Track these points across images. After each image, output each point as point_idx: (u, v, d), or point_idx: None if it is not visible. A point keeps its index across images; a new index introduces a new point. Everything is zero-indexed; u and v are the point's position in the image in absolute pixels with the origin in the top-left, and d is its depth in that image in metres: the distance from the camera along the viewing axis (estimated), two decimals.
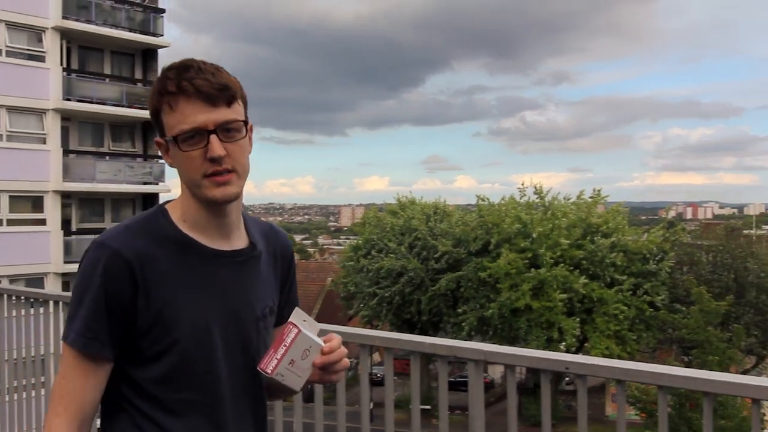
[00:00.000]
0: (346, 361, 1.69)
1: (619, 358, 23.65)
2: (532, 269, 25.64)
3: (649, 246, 26.61)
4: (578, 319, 25.53)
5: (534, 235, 26.16)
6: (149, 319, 1.55)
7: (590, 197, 28.66)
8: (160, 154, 1.68)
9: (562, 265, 25.59)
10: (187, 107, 1.53)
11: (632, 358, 24.75)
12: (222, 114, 1.54)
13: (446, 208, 32.98)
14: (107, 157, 26.93)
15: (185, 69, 1.56)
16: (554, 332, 24.93)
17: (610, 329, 24.92)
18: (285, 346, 1.59)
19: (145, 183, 27.46)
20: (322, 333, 1.67)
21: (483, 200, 30.27)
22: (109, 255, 1.54)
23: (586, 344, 26.56)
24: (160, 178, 27.69)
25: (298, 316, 1.65)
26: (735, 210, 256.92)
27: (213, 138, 1.53)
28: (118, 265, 1.53)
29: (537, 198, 29.07)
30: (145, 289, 1.54)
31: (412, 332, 26.06)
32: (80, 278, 1.57)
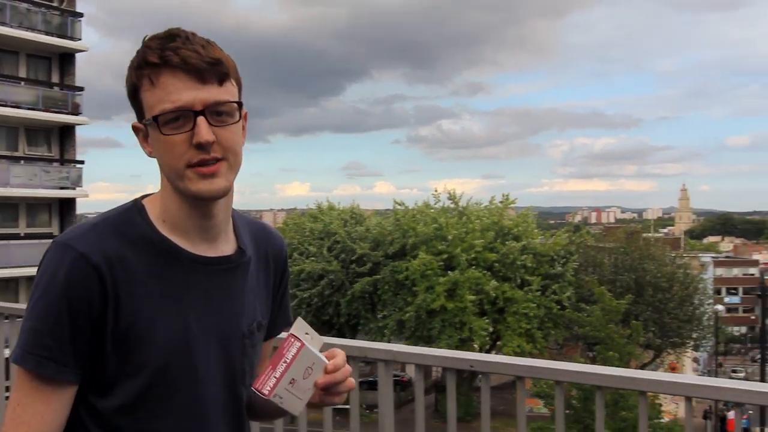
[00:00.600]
0: (352, 381, 1.42)
1: (530, 354, 24.29)
2: (449, 271, 26.01)
3: (555, 248, 27.40)
4: (489, 319, 26.10)
5: (450, 238, 26.54)
6: (118, 334, 1.26)
7: (500, 202, 29.31)
8: (138, 142, 1.38)
9: (475, 267, 26.06)
10: (170, 82, 1.24)
11: (541, 355, 25.44)
12: (212, 93, 1.26)
13: (363, 213, 33.14)
14: (22, 161, 25.82)
15: (170, 38, 1.27)
16: (466, 332, 25.35)
17: (521, 327, 25.52)
18: (285, 362, 1.32)
19: (61, 188, 26.43)
20: (324, 347, 1.40)
21: (400, 204, 30.56)
22: (74, 258, 1.24)
23: (499, 342, 27.12)
24: (77, 182, 26.79)
25: (300, 327, 1.36)
26: (635, 214, 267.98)
27: (200, 120, 1.24)
28: (84, 271, 1.23)
29: (451, 203, 29.53)
30: (116, 300, 1.25)
31: (329, 334, 25.99)
32: (37, 285, 1.27)
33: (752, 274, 67.96)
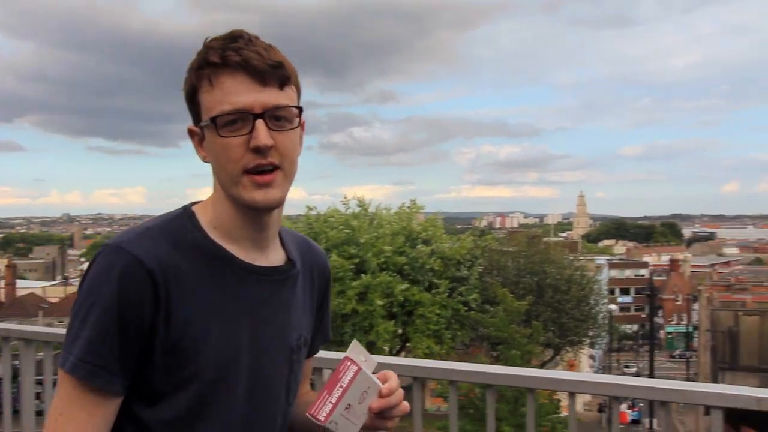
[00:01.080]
0: (407, 405, 1.33)
1: (438, 355, 24.77)
2: (362, 275, 26.09)
3: (462, 252, 27.95)
4: (399, 322, 26.39)
5: (362, 241, 26.63)
6: (168, 344, 1.18)
7: (408, 208, 29.63)
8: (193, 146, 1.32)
9: (386, 271, 26.25)
10: (231, 83, 1.19)
11: (449, 355, 25.94)
12: (273, 96, 1.20)
13: None
14: None
15: (233, 39, 1.22)
16: (373, 335, 25.51)
17: (429, 329, 25.89)
18: (341, 387, 1.23)
19: None
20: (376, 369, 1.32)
21: (311, 209, 30.45)
22: (128, 263, 1.16)
23: (408, 344, 27.40)
24: None
25: (355, 350, 1.28)
26: (537, 219, 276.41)
27: (259, 123, 1.19)
28: (137, 276, 1.16)
29: (360, 209, 29.60)
30: (167, 308, 1.18)
31: None
32: (87, 289, 1.19)
33: (643, 275, 71.32)
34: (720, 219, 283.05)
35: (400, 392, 1.31)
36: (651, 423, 27.27)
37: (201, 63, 1.22)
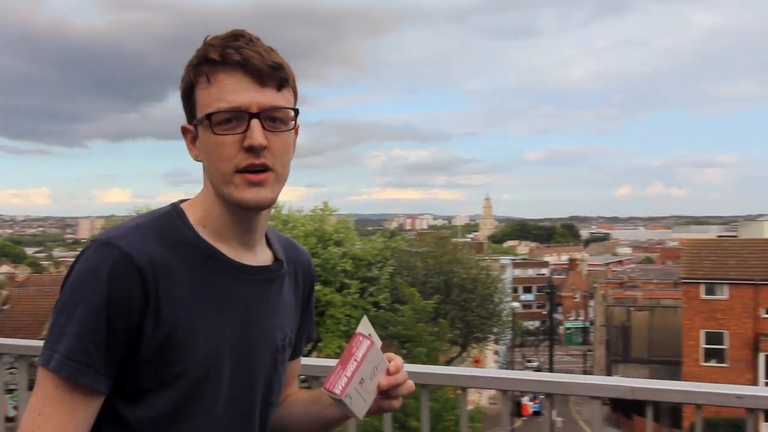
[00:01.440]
0: (411, 384, 1.34)
1: None
2: None
3: (372, 253, 28.12)
4: None
5: None
6: (157, 342, 1.15)
7: (320, 210, 29.58)
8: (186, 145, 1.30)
9: None
10: (228, 81, 1.17)
11: None
12: (270, 97, 1.18)
13: None
14: None
15: (233, 38, 1.19)
16: None
17: (340, 329, 25.92)
18: (356, 361, 1.21)
19: None
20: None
21: None
22: (118, 258, 1.12)
23: (320, 344, 27.34)
24: None
25: (365, 326, 1.28)
26: (446, 221, 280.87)
27: (255, 123, 1.16)
28: (127, 272, 1.12)
29: (274, 211, 29.37)
30: (157, 305, 1.14)
31: None
32: (74, 285, 1.14)
33: (544, 274, 73.65)
34: (614, 221, 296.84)
35: (405, 371, 1.32)
36: (551, 414, 28.21)
37: (200, 60, 1.20)
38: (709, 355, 30.70)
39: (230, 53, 1.16)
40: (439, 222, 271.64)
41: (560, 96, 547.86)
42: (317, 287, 25.91)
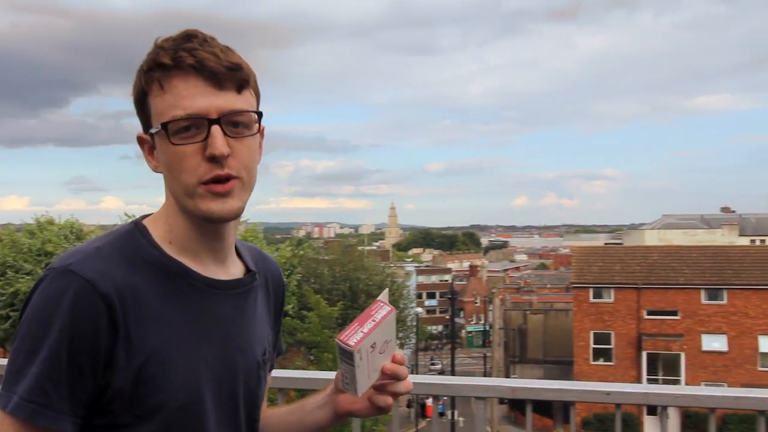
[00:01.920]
0: (410, 384, 1.25)
1: None
2: None
3: (280, 261, 27.82)
4: None
5: None
6: (130, 373, 1.03)
7: None
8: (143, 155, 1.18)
9: None
10: (184, 87, 1.05)
11: None
12: (230, 100, 1.07)
13: (84, 228, 30.63)
14: None
15: (186, 39, 1.08)
16: None
17: None
18: (374, 321, 1.14)
19: None
20: None
21: (129, 217, 28.80)
22: (79, 287, 1.01)
23: None
24: None
25: (385, 296, 1.20)
26: (352, 230, 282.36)
27: (215, 130, 1.05)
28: (91, 301, 1.01)
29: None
30: (127, 334, 1.03)
31: None
32: (33, 319, 1.02)
33: (446, 281, 75.15)
34: (512, 229, 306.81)
35: (406, 369, 1.24)
36: (453, 414, 28.78)
37: (150, 65, 1.08)
38: (598, 354, 32.15)
39: (183, 56, 1.05)
40: (346, 230, 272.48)
41: (460, 110, 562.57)
42: None
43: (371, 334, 1.13)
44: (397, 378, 1.21)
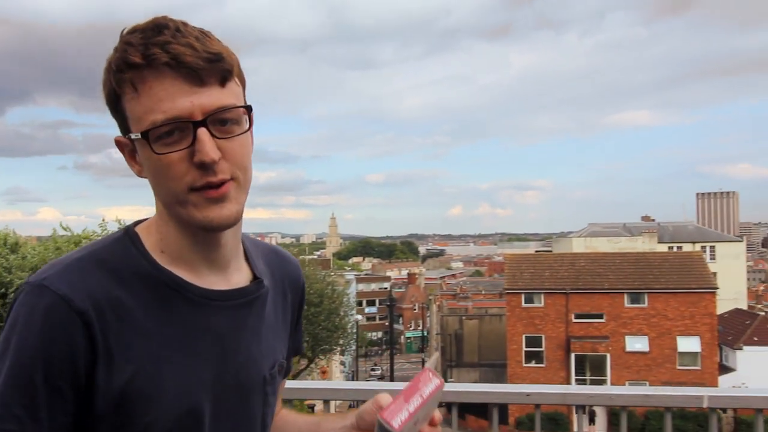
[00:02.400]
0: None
1: None
2: None
3: None
4: None
5: None
6: (114, 394, 0.92)
7: None
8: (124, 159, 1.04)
9: None
10: (160, 87, 0.91)
11: None
12: (214, 97, 0.93)
13: (19, 240, 29.34)
14: None
15: (156, 30, 0.93)
16: None
17: None
18: (421, 397, 1.00)
19: None
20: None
21: (65, 230, 27.73)
22: (52, 303, 0.91)
23: None
24: None
25: (434, 364, 1.07)
26: (294, 239, 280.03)
27: (202, 133, 0.92)
28: (64, 318, 0.90)
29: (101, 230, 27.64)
30: (108, 352, 0.92)
31: None
32: (5, 339, 0.92)
33: (385, 288, 75.24)
34: (448, 238, 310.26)
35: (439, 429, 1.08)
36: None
37: (120, 65, 0.93)
38: (530, 357, 32.77)
39: (156, 53, 0.91)
40: (288, 240, 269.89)
41: (398, 123, 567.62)
42: None
43: (417, 413, 1.00)
44: None
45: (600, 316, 32.32)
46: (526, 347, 32.53)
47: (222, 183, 0.96)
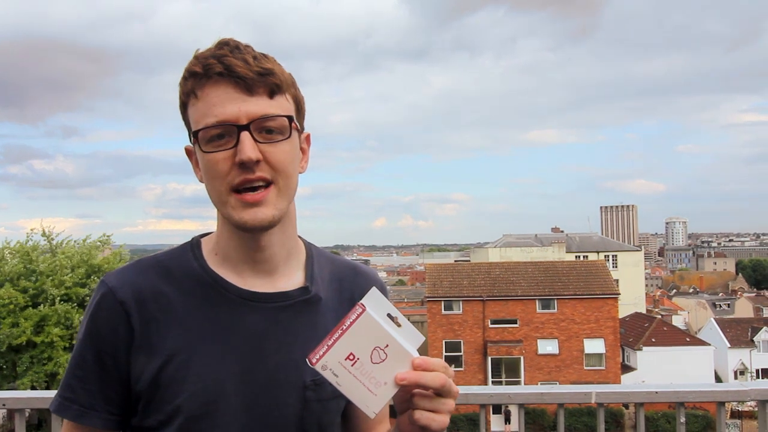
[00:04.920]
0: (456, 389, 1.00)
1: None
2: (39, 307, 23.16)
3: None
4: None
5: (40, 270, 23.69)
6: (149, 376, 1.02)
7: (99, 240, 27.21)
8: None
9: (67, 302, 23.69)
10: (214, 94, 1.00)
11: None
12: (260, 106, 1.00)
13: None
14: None
15: (218, 47, 1.03)
16: (52, 366, 22.82)
17: None
18: (341, 329, 0.94)
19: None
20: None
21: None
22: (102, 295, 1.05)
23: None
24: None
25: (374, 299, 0.97)
26: None
27: (244, 136, 0.98)
28: (109, 307, 1.04)
29: (45, 241, 26.37)
30: (146, 339, 1.03)
31: None
32: (80, 325, 0.98)
33: None
34: (372, 248, 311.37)
35: (442, 376, 0.97)
36: None
37: (185, 75, 1.04)
38: (450, 361, 33.16)
39: (212, 63, 1.00)
40: None
41: (324, 138, 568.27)
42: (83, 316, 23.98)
43: (338, 344, 0.94)
44: (422, 386, 0.97)
45: (514, 321, 33.14)
46: (446, 352, 32.95)
47: (261, 183, 1.01)
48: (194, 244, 1.14)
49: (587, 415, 25.70)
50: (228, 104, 1.00)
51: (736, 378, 42.42)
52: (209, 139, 1.01)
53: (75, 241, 27.23)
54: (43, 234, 26.50)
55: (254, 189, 1.01)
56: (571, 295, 32.94)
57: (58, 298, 23.73)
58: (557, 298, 33.07)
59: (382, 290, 1.19)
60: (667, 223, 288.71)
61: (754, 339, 44.59)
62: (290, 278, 1.12)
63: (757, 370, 43.65)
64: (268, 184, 1.02)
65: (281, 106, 1.04)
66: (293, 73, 1.10)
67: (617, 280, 38.18)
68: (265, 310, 1.08)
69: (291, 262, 1.13)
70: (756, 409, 2.30)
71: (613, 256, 48.98)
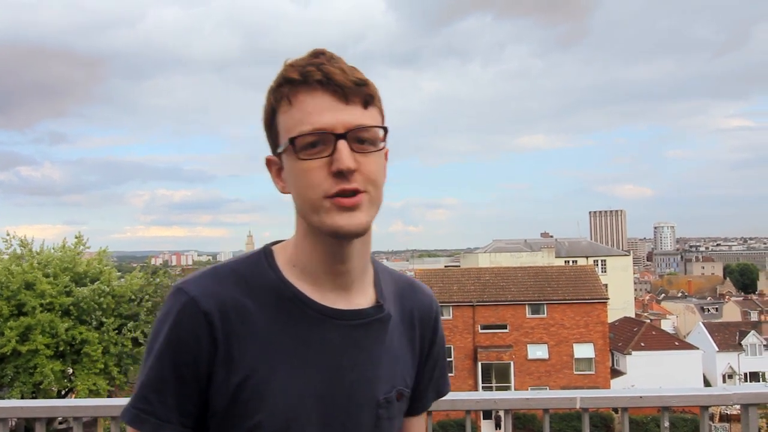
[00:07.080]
0: None
1: (106, 391, 22.93)
2: (21, 317, 22.94)
3: (132, 289, 26.29)
4: (68, 361, 23.78)
5: (17, 284, 23.46)
6: (229, 390, 1.00)
7: (74, 244, 26.89)
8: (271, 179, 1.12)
9: (51, 311, 23.49)
10: (311, 102, 0.99)
11: (122, 390, 24.17)
12: (356, 115, 1.00)
13: None
14: None
15: (313, 56, 1.02)
16: (39, 376, 22.63)
17: (97, 367, 23.76)
18: None
19: None
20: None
21: None
22: (184, 304, 1.01)
23: (76, 382, 24.75)
24: None
25: None
26: (210, 257, 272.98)
27: (342, 145, 0.97)
28: (192, 318, 1.00)
29: (22, 249, 26.07)
30: (228, 352, 1.00)
31: None
32: (152, 333, 1.05)
33: None
34: None
35: None
36: None
37: (280, 81, 1.02)
38: None
39: (311, 71, 1.00)
40: (204, 258, 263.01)
41: None
42: (67, 325, 23.66)
43: None
44: None
45: (504, 327, 33.24)
46: None
47: (355, 192, 1.00)
48: (267, 255, 1.11)
49: (577, 419, 25.74)
50: (325, 112, 0.99)
51: (724, 381, 42.69)
52: (303, 146, 1.00)
53: (54, 248, 26.93)
54: (21, 243, 26.18)
55: (348, 195, 1.00)
56: (561, 300, 33.10)
57: (39, 309, 23.53)
58: (547, 303, 33.21)
59: (434, 314, 1.24)
60: (655, 228, 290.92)
61: (742, 342, 44.98)
62: (364, 294, 1.12)
63: (745, 374, 44.01)
64: (361, 191, 1.02)
65: (373, 117, 1.04)
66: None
67: (606, 285, 38.40)
68: (343, 328, 1.08)
69: (365, 277, 1.13)
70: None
71: (602, 260, 49.31)
